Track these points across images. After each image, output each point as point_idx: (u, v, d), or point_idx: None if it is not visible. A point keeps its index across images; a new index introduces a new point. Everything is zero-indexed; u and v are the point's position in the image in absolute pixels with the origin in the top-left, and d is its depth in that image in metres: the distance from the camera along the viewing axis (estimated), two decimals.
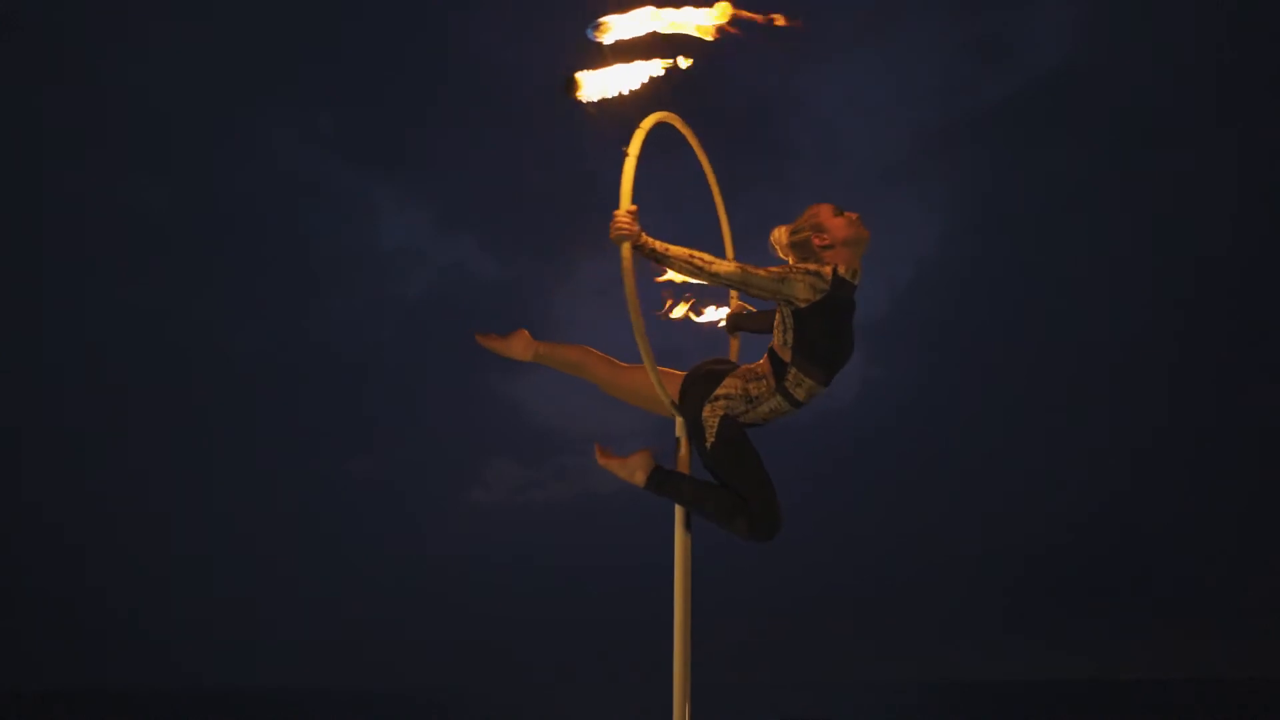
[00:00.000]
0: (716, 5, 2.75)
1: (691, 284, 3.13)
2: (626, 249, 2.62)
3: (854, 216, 2.85)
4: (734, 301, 3.27)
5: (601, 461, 3.05)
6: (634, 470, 3.00)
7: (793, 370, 2.81)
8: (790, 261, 2.88)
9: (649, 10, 2.73)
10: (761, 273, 2.70)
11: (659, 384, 2.94)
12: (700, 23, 2.76)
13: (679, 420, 3.01)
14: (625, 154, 2.77)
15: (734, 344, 3.30)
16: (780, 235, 3.00)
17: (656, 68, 2.72)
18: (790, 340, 2.77)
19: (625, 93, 2.72)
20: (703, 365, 3.03)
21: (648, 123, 2.83)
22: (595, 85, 2.69)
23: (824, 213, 2.87)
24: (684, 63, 2.73)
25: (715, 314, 3.31)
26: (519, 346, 3.14)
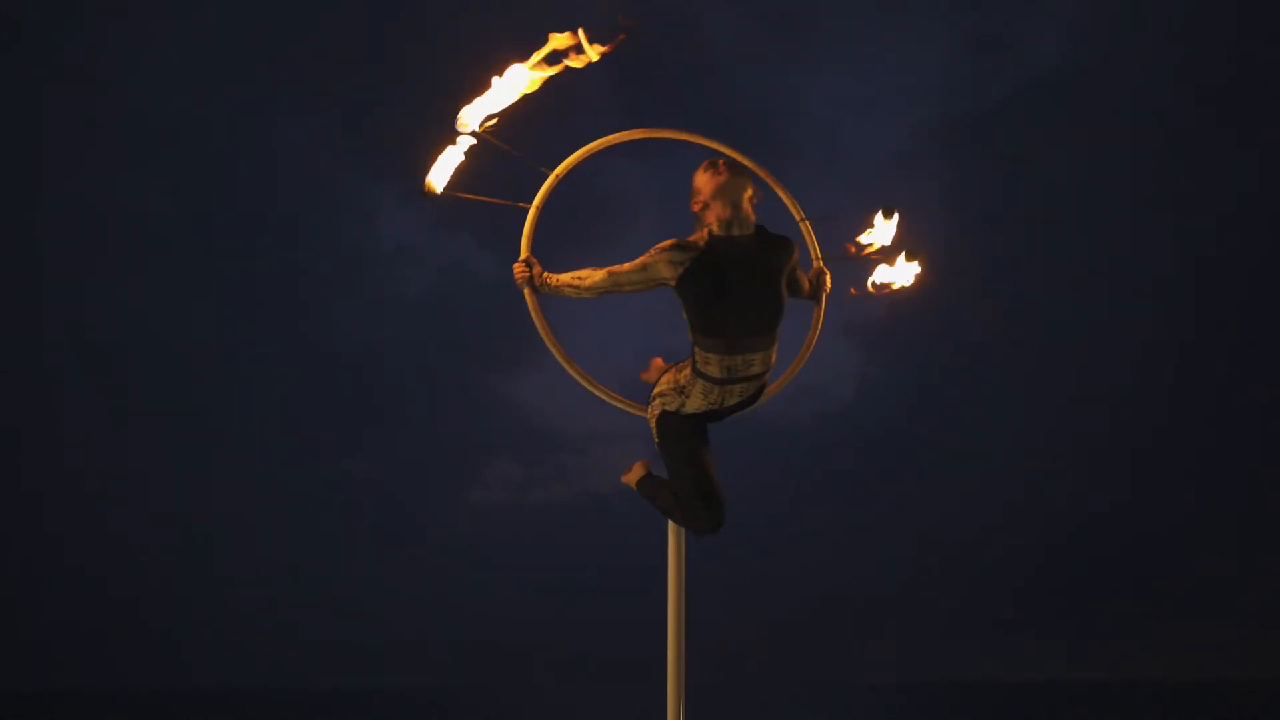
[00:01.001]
0: (552, 45, 2.77)
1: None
2: (528, 294, 2.86)
3: (720, 163, 2.81)
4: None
5: (622, 480, 3.12)
6: (633, 480, 3.05)
7: (695, 349, 2.80)
8: (592, 276, 2.91)
9: (496, 82, 2.76)
10: (626, 268, 2.77)
11: (598, 389, 3.00)
12: (545, 64, 2.78)
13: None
14: (523, 208, 2.91)
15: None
16: None
17: (464, 145, 2.80)
18: (687, 319, 2.80)
19: (457, 168, 2.83)
20: None
21: (559, 170, 2.93)
22: (437, 175, 2.80)
23: (695, 177, 2.85)
24: (476, 131, 2.79)
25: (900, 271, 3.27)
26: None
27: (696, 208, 2.84)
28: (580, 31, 2.68)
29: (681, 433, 2.87)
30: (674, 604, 2.92)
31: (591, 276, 2.80)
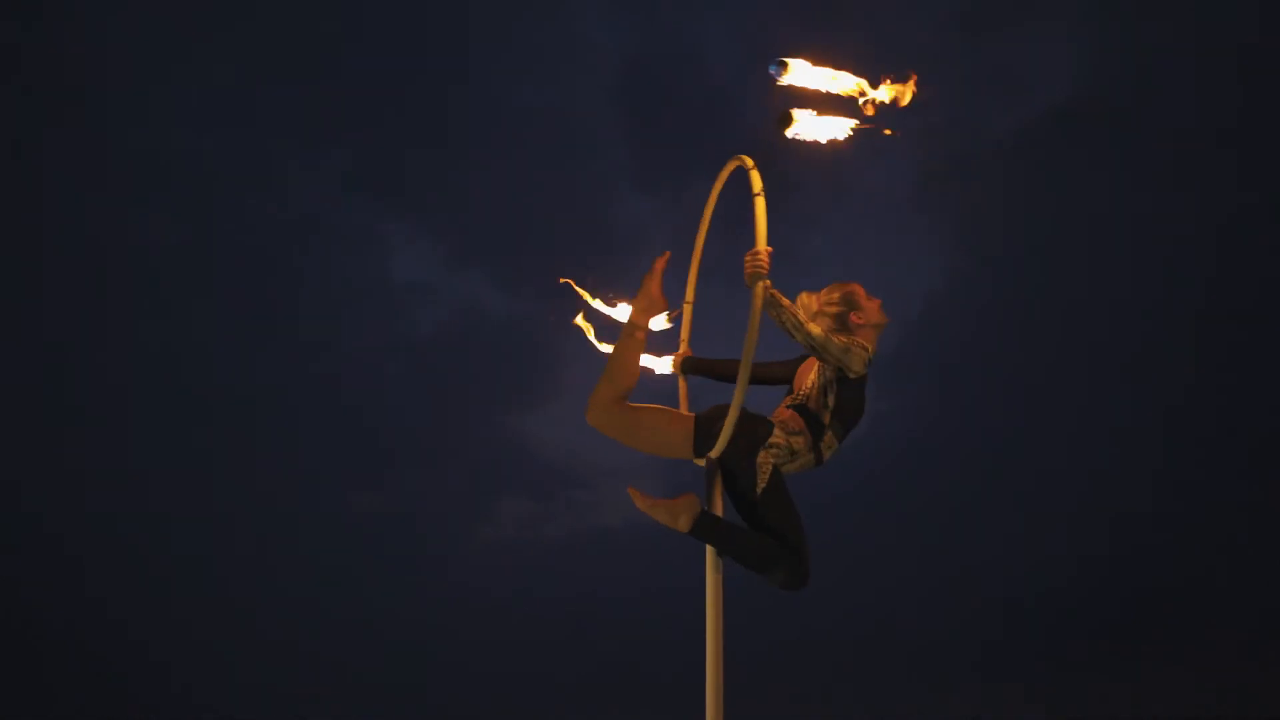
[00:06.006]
0: (895, 87, 2.81)
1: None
2: (760, 288, 2.66)
3: (879, 303, 2.95)
4: (682, 345, 3.29)
5: (643, 506, 2.99)
6: (678, 515, 2.94)
7: (828, 433, 2.87)
8: (812, 326, 2.95)
9: (828, 71, 2.78)
10: (836, 340, 2.78)
11: (729, 428, 2.94)
12: (876, 95, 2.81)
13: (706, 466, 2.97)
14: (755, 195, 2.81)
15: (683, 386, 3.30)
16: (809, 302, 3.04)
17: (846, 127, 2.79)
18: (831, 404, 2.88)
19: (824, 141, 2.79)
20: (720, 409, 3.03)
21: (749, 161, 2.89)
22: (807, 126, 2.74)
23: (859, 293, 2.96)
24: (886, 132, 2.80)
25: (662, 364, 3.32)
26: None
27: (855, 320, 2.98)
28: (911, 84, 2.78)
29: (787, 489, 2.95)
30: (712, 645, 2.88)
31: (812, 325, 2.78)
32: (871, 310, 2.95)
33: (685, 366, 3.32)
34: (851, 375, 2.82)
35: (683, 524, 2.91)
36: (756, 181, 2.75)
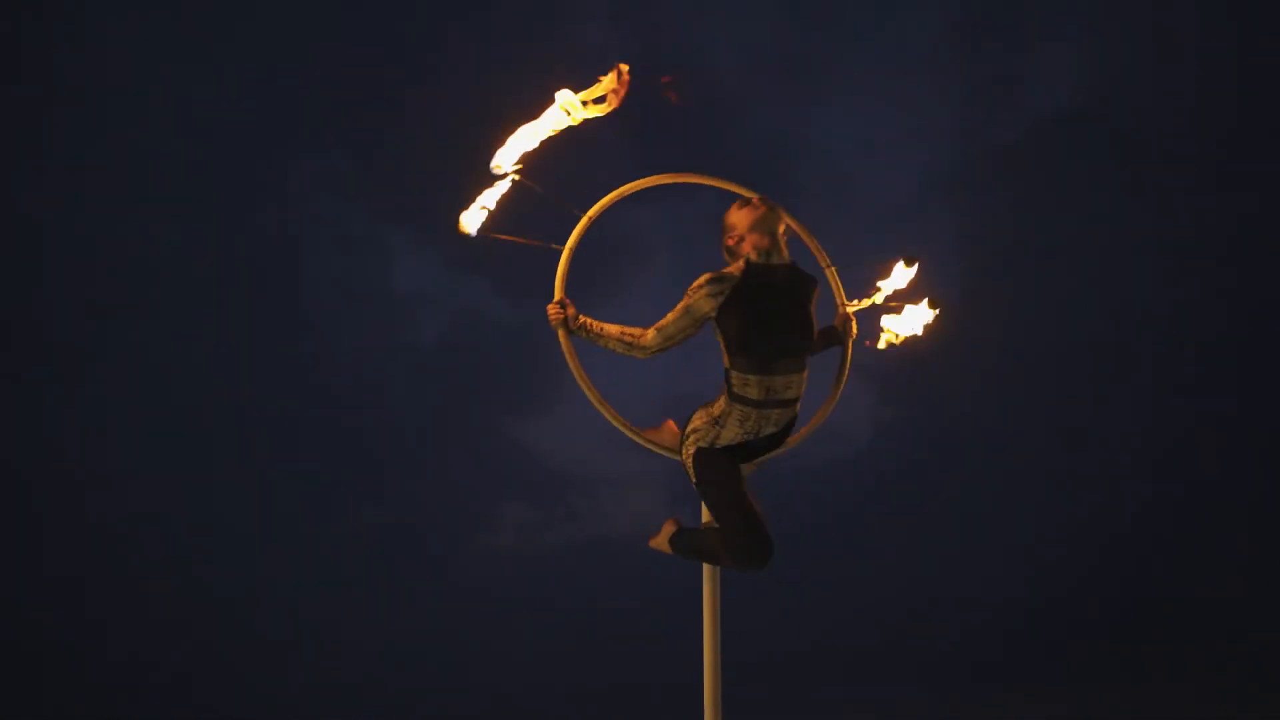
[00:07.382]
0: (598, 83, 2.75)
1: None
2: (562, 335, 2.81)
3: (755, 199, 2.87)
4: (843, 308, 3.22)
5: (651, 545, 3.09)
6: (663, 541, 3.02)
7: (733, 373, 2.78)
8: (645, 336, 2.89)
9: (526, 126, 2.75)
10: (670, 318, 2.78)
11: (641, 438, 2.97)
12: (580, 107, 2.75)
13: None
14: (557, 250, 2.90)
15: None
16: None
17: (499, 189, 2.80)
18: (721, 345, 2.81)
19: (492, 208, 2.81)
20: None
21: (592, 212, 2.94)
22: (471, 216, 2.80)
23: (728, 214, 2.90)
24: (510, 172, 2.78)
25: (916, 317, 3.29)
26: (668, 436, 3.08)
27: (730, 242, 2.87)
28: (623, 70, 2.70)
29: (720, 467, 2.85)
30: (710, 648, 2.89)
31: (645, 334, 2.80)
32: (740, 220, 2.87)
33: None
34: (713, 316, 2.77)
35: (666, 547, 2.98)
36: (572, 236, 2.91)
